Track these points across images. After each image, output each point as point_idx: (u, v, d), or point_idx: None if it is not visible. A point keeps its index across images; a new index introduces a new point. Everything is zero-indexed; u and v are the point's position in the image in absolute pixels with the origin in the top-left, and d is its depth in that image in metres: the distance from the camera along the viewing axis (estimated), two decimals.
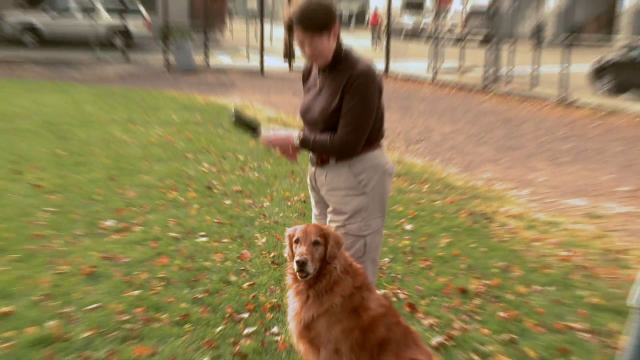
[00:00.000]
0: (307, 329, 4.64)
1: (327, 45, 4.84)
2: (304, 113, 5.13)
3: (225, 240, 8.28)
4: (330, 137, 4.83)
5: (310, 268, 4.41)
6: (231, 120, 5.11)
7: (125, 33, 36.71)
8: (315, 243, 4.46)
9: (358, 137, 4.82)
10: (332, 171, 5.02)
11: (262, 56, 32.16)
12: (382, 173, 5.04)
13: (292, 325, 4.74)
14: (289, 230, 4.67)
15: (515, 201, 10.74)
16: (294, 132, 4.96)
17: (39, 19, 39.07)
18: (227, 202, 9.98)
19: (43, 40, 38.72)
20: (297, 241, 4.49)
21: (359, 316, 4.65)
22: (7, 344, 5.66)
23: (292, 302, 4.71)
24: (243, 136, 14.60)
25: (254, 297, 6.62)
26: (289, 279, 4.70)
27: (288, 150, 4.99)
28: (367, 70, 4.85)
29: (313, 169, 5.20)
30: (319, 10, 4.76)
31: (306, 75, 5.30)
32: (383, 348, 4.73)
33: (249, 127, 5.19)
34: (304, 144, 4.90)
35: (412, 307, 6.52)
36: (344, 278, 4.59)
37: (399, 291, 6.92)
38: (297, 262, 4.36)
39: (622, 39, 32.71)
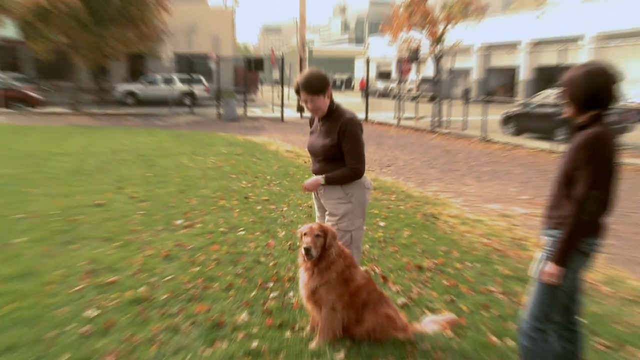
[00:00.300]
0: (313, 294, 4.78)
1: (322, 102, 5.07)
2: (310, 148, 5.31)
3: (257, 234, 8.31)
4: (344, 170, 5.05)
5: (313, 253, 4.60)
6: None
7: (191, 95, 36.83)
8: (317, 236, 4.65)
9: (362, 163, 5.07)
10: (328, 187, 5.15)
11: (282, 109, 32.23)
12: (362, 188, 5.17)
13: (302, 291, 4.89)
14: (300, 228, 4.85)
15: (453, 206, 10.74)
16: (319, 177, 5.10)
17: (137, 87, 39.91)
18: (258, 207, 10.01)
19: (138, 101, 39.18)
20: (305, 234, 4.65)
21: (348, 285, 4.79)
22: (114, 302, 5.77)
23: (302, 276, 4.88)
24: (268, 161, 14.69)
25: (276, 272, 6.66)
26: (300, 260, 4.84)
27: (317, 187, 5.15)
28: (351, 118, 5.08)
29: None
30: (316, 79, 5.01)
31: (311, 122, 5.41)
32: (365, 306, 4.88)
33: None
34: (329, 181, 5.06)
35: (385, 279, 6.54)
36: (338, 260, 4.74)
37: (375, 268, 6.94)
38: (304, 248, 4.59)
39: (519, 98, 32.89)
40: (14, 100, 31.99)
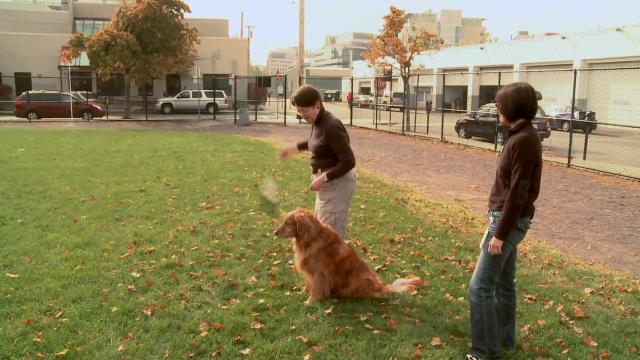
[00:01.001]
0: (303, 264, 4.75)
1: (312, 112, 5.04)
2: (309, 146, 5.24)
3: (264, 214, 8.17)
4: (340, 164, 4.97)
5: (281, 235, 4.82)
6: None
7: (214, 105, 36.62)
8: (287, 224, 4.76)
9: (351, 156, 4.98)
10: (318, 176, 5.06)
11: (285, 116, 31.97)
12: (345, 178, 5.03)
13: (296, 262, 4.86)
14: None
15: (418, 192, 10.63)
16: (322, 175, 4.97)
17: (172, 100, 39.55)
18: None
19: (173, 110, 38.74)
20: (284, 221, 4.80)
21: (333, 257, 4.74)
22: (152, 266, 5.70)
23: (295, 251, 4.84)
24: (273, 157, 14.61)
25: (279, 244, 6.52)
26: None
27: (322, 185, 5.00)
28: (334, 124, 5.01)
29: (313, 175, 5.17)
30: (306, 94, 5.02)
31: (312, 126, 5.27)
32: (349, 273, 4.81)
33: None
34: (331, 177, 4.93)
35: (365, 250, 6.45)
36: (317, 239, 4.71)
37: (357, 241, 6.84)
38: (275, 231, 4.87)
39: (468, 110, 33.00)
40: (83, 111, 32.26)
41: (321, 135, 5.02)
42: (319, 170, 5.12)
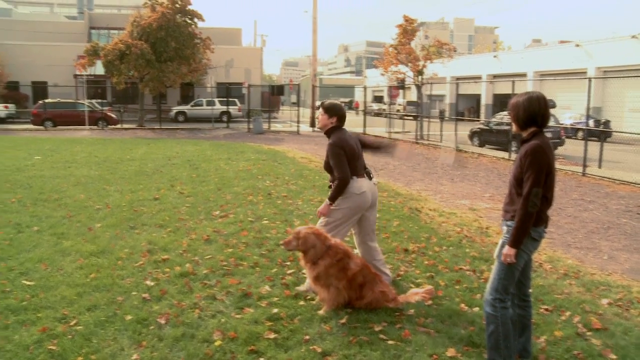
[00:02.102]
0: (316, 280, 4.76)
1: (324, 121, 5.26)
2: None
3: (277, 222, 8.17)
4: (336, 183, 5.05)
5: (287, 247, 4.88)
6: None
7: (228, 114, 36.79)
8: (294, 238, 4.82)
9: (344, 173, 5.03)
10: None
11: (298, 125, 31.94)
12: (349, 193, 5.11)
13: (308, 277, 4.93)
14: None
15: (432, 201, 10.56)
16: (326, 201, 5.13)
17: (186, 108, 39.68)
18: (279, 201, 9.85)
19: (187, 118, 38.90)
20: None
21: (345, 272, 4.76)
22: (165, 275, 5.70)
23: (303, 266, 4.94)
24: (286, 165, 14.60)
25: (293, 254, 6.41)
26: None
27: (328, 210, 5.13)
28: (333, 142, 5.12)
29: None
30: (331, 105, 5.28)
31: None
32: (362, 286, 4.81)
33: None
34: (332, 199, 5.06)
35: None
36: (324, 257, 4.69)
37: None
38: (282, 242, 4.93)
39: (482, 118, 32.86)
40: (98, 119, 32.54)
41: (327, 149, 5.14)
42: (331, 182, 5.24)
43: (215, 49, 35.99)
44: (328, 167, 5.22)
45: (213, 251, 6.64)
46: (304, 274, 5.70)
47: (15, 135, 26.56)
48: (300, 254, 4.86)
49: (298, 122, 32.34)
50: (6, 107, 36.05)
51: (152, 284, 5.45)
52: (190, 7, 32.95)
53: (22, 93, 41.48)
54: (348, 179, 5.03)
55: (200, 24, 33.91)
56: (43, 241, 7.01)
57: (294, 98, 51.59)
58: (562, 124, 23.39)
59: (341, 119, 5.24)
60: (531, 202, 3.53)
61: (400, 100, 45.83)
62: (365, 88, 36.28)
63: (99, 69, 34.16)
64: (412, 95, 44.83)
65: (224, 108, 38.39)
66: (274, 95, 37.88)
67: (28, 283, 5.43)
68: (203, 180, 12.23)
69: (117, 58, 30.83)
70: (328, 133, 5.23)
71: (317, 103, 6.16)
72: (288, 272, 5.91)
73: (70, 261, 6.19)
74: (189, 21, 33.09)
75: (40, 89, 40.74)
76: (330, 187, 5.25)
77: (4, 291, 5.23)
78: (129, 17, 33.40)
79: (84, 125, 31.68)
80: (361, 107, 49.81)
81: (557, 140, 20.86)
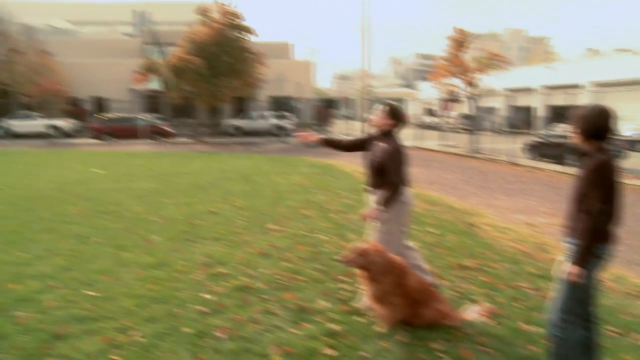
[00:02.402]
0: (374, 297, 4.68)
1: (382, 120, 5.13)
2: (366, 162, 5.34)
3: (332, 236, 8.15)
4: (391, 187, 4.91)
5: (349, 265, 4.74)
6: None
7: (281, 128, 37.16)
8: (358, 255, 4.67)
9: (402, 178, 4.95)
10: (374, 196, 5.16)
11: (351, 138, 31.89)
12: (399, 201, 5.00)
13: (366, 293, 4.83)
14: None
15: (487, 216, 10.34)
16: (375, 205, 5.02)
17: (241, 122, 39.95)
18: (333, 216, 9.84)
19: (241, 132, 39.33)
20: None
21: (403, 289, 4.67)
22: (223, 288, 5.73)
23: (363, 283, 4.81)
24: (341, 179, 14.60)
25: (348, 267, 6.45)
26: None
27: (377, 214, 5.01)
28: (396, 145, 5.00)
29: (369, 196, 5.29)
30: (393, 107, 5.17)
31: (372, 144, 5.34)
32: (419, 303, 4.72)
33: None
34: (385, 203, 4.93)
35: (437, 276, 6.31)
36: (386, 273, 4.60)
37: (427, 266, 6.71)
38: (341, 258, 4.76)
39: (537, 131, 32.16)
40: (155, 133, 33.33)
41: (381, 152, 5.01)
42: (375, 190, 5.12)
43: (267, 63, 36.40)
44: (377, 170, 5.07)
45: (268, 265, 6.66)
46: (360, 289, 5.66)
47: (77, 149, 27.51)
48: (358, 270, 4.81)
49: (351, 135, 32.27)
50: (69, 121, 37.34)
51: (209, 297, 5.49)
52: (243, 23, 33.54)
53: (83, 108, 42.94)
54: (405, 185, 4.99)
55: (252, 39, 34.42)
56: (103, 252, 7.19)
57: (346, 111, 51.81)
58: (622, 136, 22.71)
59: (401, 124, 5.16)
60: (596, 220, 3.44)
61: (452, 112, 45.40)
62: (415, 101, 36.12)
63: (155, 84, 35.12)
64: (464, 108, 44.42)
65: (277, 122, 38.82)
66: (326, 108, 38.19)
67: (90, 293, 5.57)
68: (257, 194, 12.33)
69: (173, 73, 31.61)
70: (385, 134, 5.12)
71: (372, 112, 6.19)
72: (344, 287, 5.86)
73: (129, 272, 6.31)
74: (242, 36, 33.66)
75: (99, 104, 42.09)
76: (368, 189, 5.21)
77: (70, 300, 5.40)
78: (183, 33, 34.22)
79: (140, 139, 32.58)
80: (412, 120, 49.54)
81: (618, 153, 20.26)
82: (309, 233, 8.44)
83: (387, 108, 5.14)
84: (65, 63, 40.77)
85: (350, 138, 5.87)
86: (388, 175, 4.96)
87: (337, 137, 5.76)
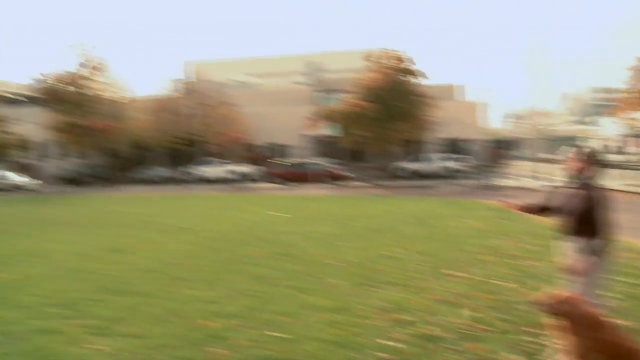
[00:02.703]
0: (577, 353, 4.25)
1: (577, 164, 4.91)
2: (566, 207, 5.06)
3: (511, 283, 7.68)
4: (602, 235, 4.72)
5: (548, 312, 4.31)
6: None
7: (454, 169, 36.60)
8: (561, 303, 4.28)
9: (609, 226, 4.76)
10: (574, 243, 4.97)
11: (529, 180, 30.59)
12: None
13: (564, 346, 4.38)
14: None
15: None
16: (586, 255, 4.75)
17: (418, 166, 39.54)
18: (511, 261, 9.31)
19: (414, 175, 38.78)
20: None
21: (606, 345, 4.24)
22: (401, 334, 5.68)
23: (561, 336, 4.40)
24: (519, 223, 13.83)
25: (533, 319, 5.98)
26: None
27: (589, 267, 4.75)
28: (603, 191, 4.79)
29: (567, 243, 5.04)
30: (588, 150, 4.96)
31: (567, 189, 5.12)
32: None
33: None
34: (597, 252, 4.71)
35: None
36: (589, 330, 4.21)
37: (626, 321, 5.80)
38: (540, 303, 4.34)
39: None
40: (329, 177, 34.39)
41: (587, 198, 4.75)
42: (575, 238, 4.81)
43: (438, 105, 36.29)
44: (579, 217, 4.80)
45: (447, 312, 6.47)
46: (551, 341, 5.26)
47: (256, 193, 29.28)
48: (554, 321, 4.39)
49: (529, 177, 30.85)
50: (249, 166, 40.04)
51: (389, 343, 5.44)
52: (412, 67, 33.93)
53: (261, 154, 45.77)
54: (611, 233, 4.73)
55: (422, 81, 34.74)
56: (284, 294, 7.47)
57: (521, 152, 49.80)
58: None
59: (599, 168, 4.93)
60: None
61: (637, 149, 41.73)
62: (595, 138, 33.74)
63: (328, 129, 36.48)
64: None
65: (450, 164, 38.34)
66: (500, 149, 37.03)
67: (276, 334, 5.80)
68: (432, 238, 12.13)
69: (349, 120, 32.72)
70: (585, 180, 4.89)
71: (567, 156, 5.88)
72: (529, 338, 5.50)
73: (310, 315, 6.47)
74: (413, 79, 33.99)
75: (276, 150, 44.65)
76: (565, 237, 4.96)
77: (256, 340, 5.67)
78: (352, 80, 35.27)
79: (317, 183, 33.81)
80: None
81: None
82: (487, 279, 8.07)
83: (584, 151, 4.95)
84: (244, 113, 44.00)
85: (548, 195, 5.55)
86: (594, 222, 4.70)
87: (537, 202, 5.57)
